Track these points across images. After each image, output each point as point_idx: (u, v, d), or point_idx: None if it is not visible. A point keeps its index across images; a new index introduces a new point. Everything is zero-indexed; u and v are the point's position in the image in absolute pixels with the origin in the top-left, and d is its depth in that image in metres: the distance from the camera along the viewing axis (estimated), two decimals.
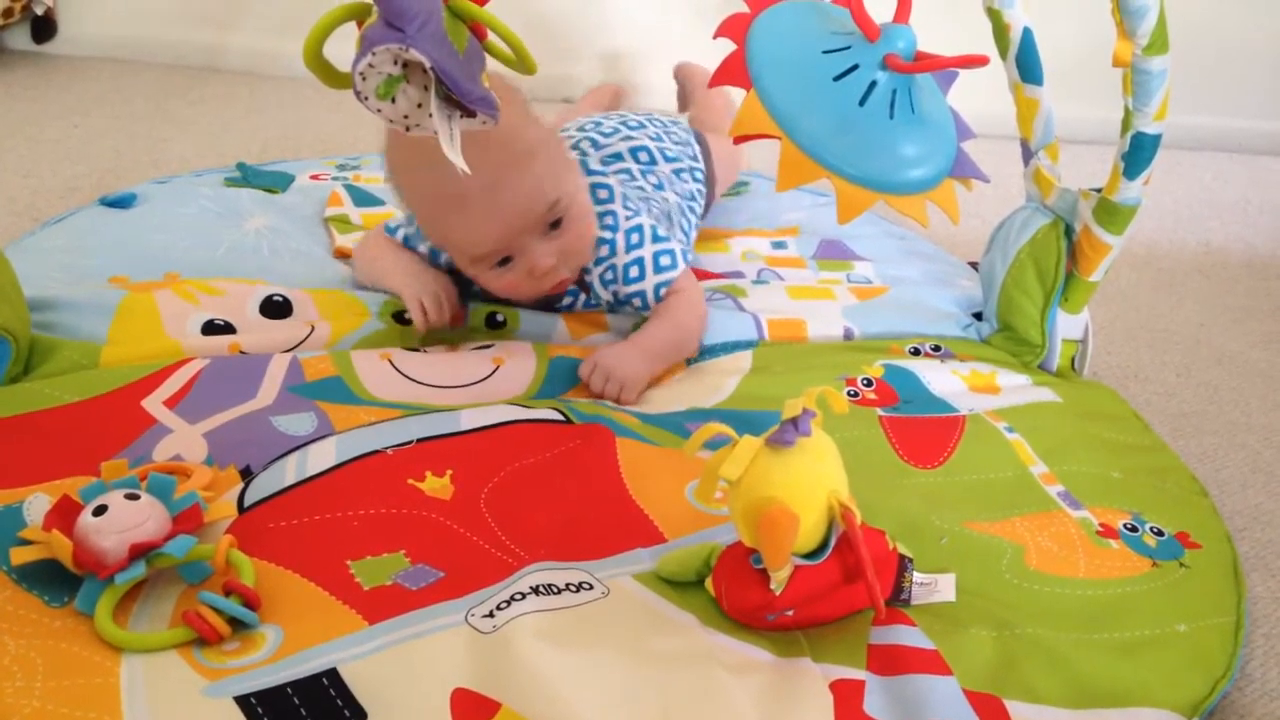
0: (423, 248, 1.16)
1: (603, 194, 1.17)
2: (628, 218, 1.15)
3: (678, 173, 1.29)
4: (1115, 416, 1.09)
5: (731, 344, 1.14)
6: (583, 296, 1.17)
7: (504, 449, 0.93)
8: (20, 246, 1.25)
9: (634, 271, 1.14)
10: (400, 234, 1.18)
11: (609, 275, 1.14)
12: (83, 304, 1.08)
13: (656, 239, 1.16)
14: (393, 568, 0.79)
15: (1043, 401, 1.08)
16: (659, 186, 1.25)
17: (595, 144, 1.29)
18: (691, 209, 1.30)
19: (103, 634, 0.72)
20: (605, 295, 1.16)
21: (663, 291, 1.14)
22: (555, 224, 1.05)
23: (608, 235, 1.14)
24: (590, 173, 1.20)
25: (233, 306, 1.12)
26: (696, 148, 1.36)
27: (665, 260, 1.15)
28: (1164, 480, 0.99)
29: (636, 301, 1.15)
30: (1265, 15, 2.00)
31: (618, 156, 1.27)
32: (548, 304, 1.17)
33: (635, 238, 1.14)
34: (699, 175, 1.34)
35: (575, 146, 1.28)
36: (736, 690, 0.71)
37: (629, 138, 1.30)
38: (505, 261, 1.06)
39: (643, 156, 1.28)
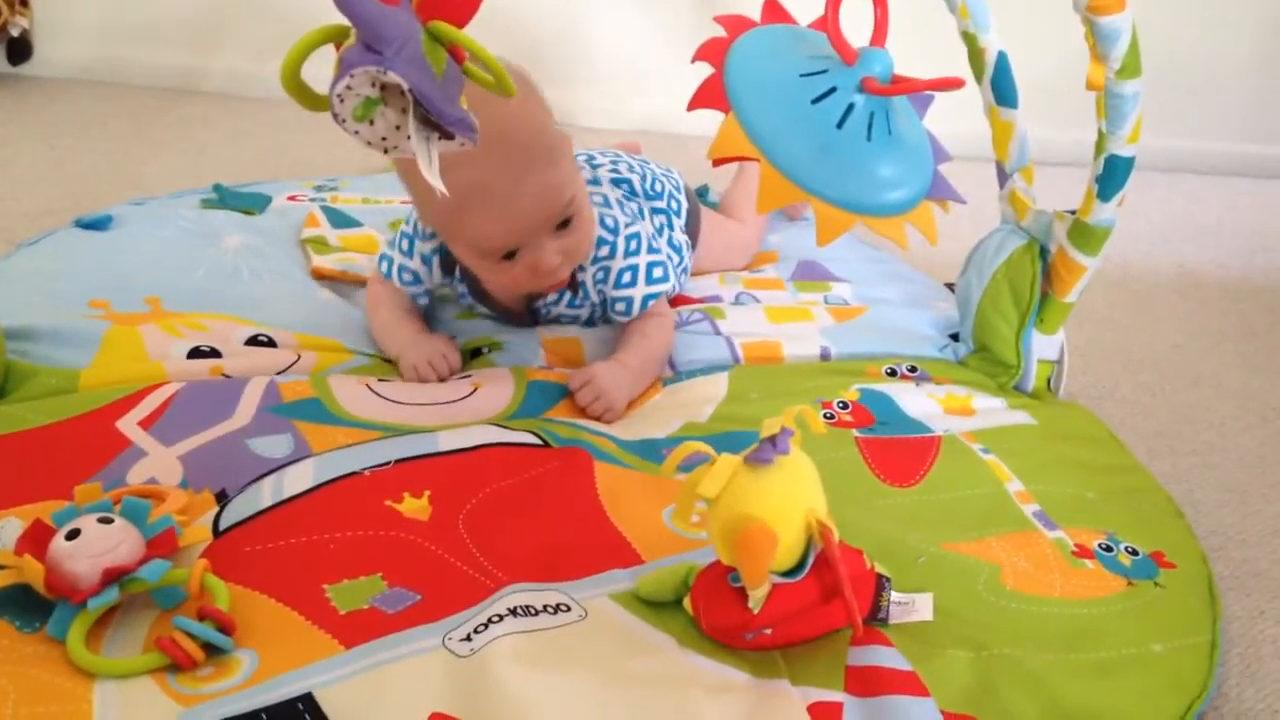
0: (414, 261, 1.17)
1: (598, 199, 1.19)
2: (627, 224, 1.17)
3: (656, 210, 1.29)
4: (1090, 437, 1.09)
5: (706, 367, 1.15)
6: (568, 295, 1.17)
7: (482, 470, 0.92)
8: None
9: (626, 277, 1.15)
10: (395, 266, 1.17)
11: (601, 275, 1.15)
12: (66, 334, 1.08)
13: (652, 250, 1.17)
14: (369, 591, 0.79)
15: (1018, 424, 1.09)
16: (639, 214, 1.26)
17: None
18: (673, 246, 1.29)
19: (75, 660, 0.71)
20: (594, 296, 1.17)
21: (650, 304, 1.15)
22: (564, 223, 1.07)
23: (609, 237, 1.15)
24: (587, 183, 1.21)
25: (218, 339, 1.12)
26: (683, 201, 1.34)
27: (658, 273, 1.16)
28: (1139, 500, 1.00)
29: (620, 307, 1.16)
30: (1238, 39, 2.03)
31: (597, 181, 1.27)
32: (532, 300, 1.18)
33: (634, 244, 1.16)
34: (678, 221, 1.32)
35: None
36: (714, 712, 0.71)
37: (614, 171, 1.29)
38: (511, 255, 1.06)
39: (624, 188, 1.28)
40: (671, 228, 1.30)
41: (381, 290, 1.21)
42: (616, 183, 1.28)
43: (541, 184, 1.03)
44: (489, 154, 0.96)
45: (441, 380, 1.10)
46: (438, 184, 0.77)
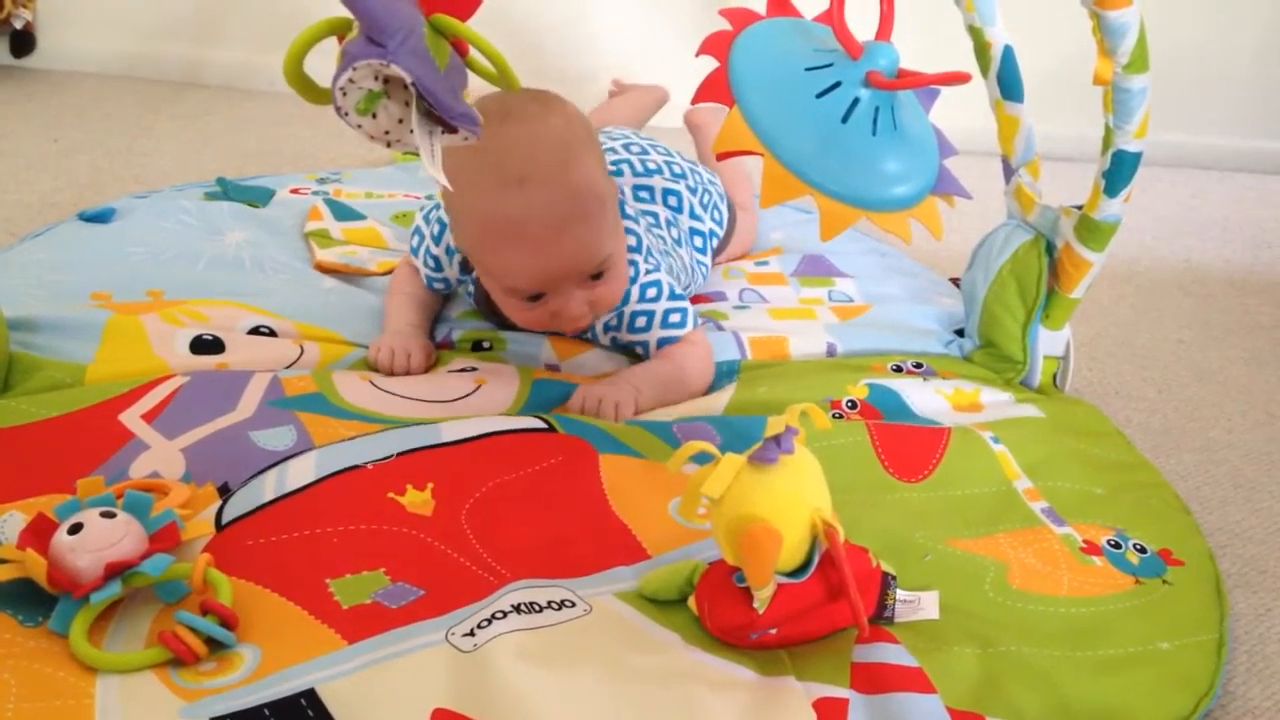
0: (439, 248, 1.16)
1: (630, 240, 1.13)
2: (648, 271, 1.13)
3: (695, 232, 1.27)
4: (1097, 433, 1.09)
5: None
6: None
7: (486, 463, 0.92)
8: None
9: (640, 321, 1.12)
10: (423, 247, 1.18)
11: (613, 321, 1.13)
12: (68, 325, 1.08)
13: (673, 297, 1.13)
14: (372, 586, 0.78)
15: (1026, 417, 1.08)
16: (678, 242, 1.24)
17: (635, 170, 1.27)
18: (698, 270, 1.28)
19: (77, 654, 0.70)
20: (603, 339, 1.15)
21: (666, 348, 1.12)
22: (597, 275, 1.05)
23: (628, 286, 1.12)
24: (624, 216, 1.16)
25: (219, 327, 1.11)
26: (724, 214, 1.34)
27: (675, 318, 1.13)
28: (1146, 497, 0.99)
29: (639, 350, 1.14)
30: (1244, 34, 2.02)
31: (650, 191, 1.26)
32: None
33: (652, 292, 1.12)
34: (715, 242, 1.32)
35: (614, 164, 1.26)
36: (719, 708, 0.70)
37: (667, 179, 1.28)
38: (537, 297, 1.05)
39: (672, 201, 1.26)
40: (704, 251, 1.28)
41: (405, 272, 1.21)
42: (666, 195, 1.25)
43: (582, 238, 1.01)
44: (539, 195, 0.96)
45: (390, 374, 1.08)
46: (440, 178, 0.76)
